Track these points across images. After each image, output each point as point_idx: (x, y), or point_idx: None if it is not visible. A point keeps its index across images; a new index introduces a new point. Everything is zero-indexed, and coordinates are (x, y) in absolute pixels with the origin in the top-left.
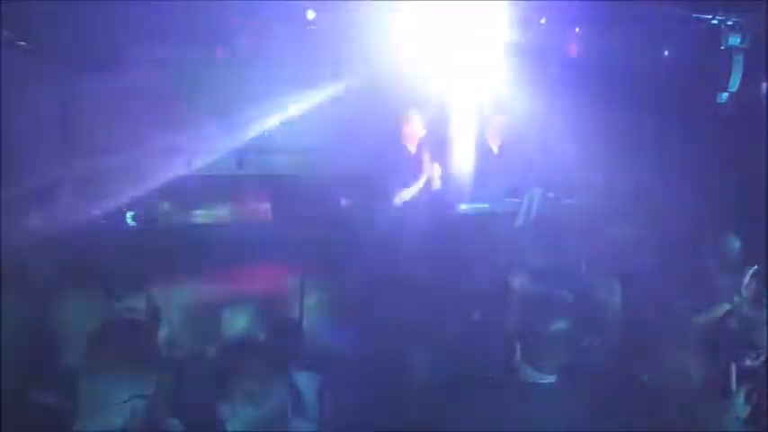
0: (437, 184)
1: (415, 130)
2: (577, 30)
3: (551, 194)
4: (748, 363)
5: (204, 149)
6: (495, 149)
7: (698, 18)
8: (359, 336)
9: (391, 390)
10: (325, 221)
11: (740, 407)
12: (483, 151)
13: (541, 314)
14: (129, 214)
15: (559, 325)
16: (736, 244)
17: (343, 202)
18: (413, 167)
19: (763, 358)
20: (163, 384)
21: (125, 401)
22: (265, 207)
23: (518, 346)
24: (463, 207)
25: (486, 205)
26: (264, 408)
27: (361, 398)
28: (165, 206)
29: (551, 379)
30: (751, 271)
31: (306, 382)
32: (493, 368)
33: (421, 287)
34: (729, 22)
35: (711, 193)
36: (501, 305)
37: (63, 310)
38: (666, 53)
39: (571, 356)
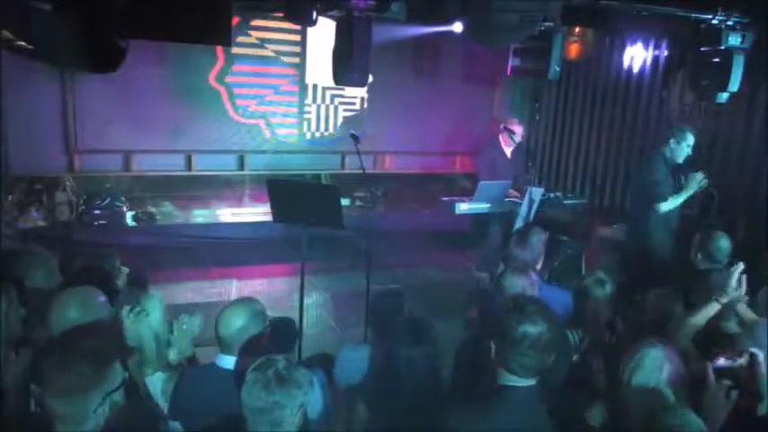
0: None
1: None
2: (578, 30)
3: (551, 194)
4: (730, 362)
5: (204, 149)
6: (509, 153)
7: (698, 18)
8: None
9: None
10: None
11: (721, 405)
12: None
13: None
14: (129, 214)
15: (536, 328)
16: (725, 242)
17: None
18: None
19: (744, 358)
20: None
21: (99, 405)
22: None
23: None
24: (463, 207)
25: (488, 205)
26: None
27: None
28: (165, 206)
29: (531, 382)
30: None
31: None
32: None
33: None
34: (729, 22)
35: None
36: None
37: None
38: (666, 53)
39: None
